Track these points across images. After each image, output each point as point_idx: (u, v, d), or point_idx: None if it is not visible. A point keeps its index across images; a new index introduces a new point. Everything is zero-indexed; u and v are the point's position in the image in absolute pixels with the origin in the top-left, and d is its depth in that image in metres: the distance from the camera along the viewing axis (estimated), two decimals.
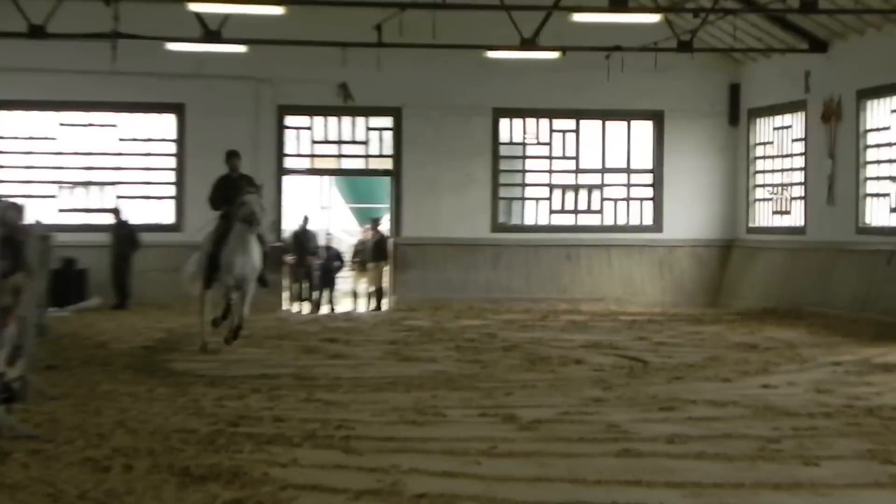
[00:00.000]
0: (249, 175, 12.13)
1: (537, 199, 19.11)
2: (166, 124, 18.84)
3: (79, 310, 16.20)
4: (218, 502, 5.42)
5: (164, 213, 18.79)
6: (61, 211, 18.08)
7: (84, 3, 15.32)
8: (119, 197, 18.40)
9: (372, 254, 18.23)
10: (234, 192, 11.29)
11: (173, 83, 18.46)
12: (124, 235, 17.17)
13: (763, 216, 18.87)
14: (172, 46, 16.88)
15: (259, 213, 10.95)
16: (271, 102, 19.57)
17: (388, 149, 19.51)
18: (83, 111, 18.75)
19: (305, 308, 18.21)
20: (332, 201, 29.35)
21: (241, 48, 16.85)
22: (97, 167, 18.33)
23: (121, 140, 18.36)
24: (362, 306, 18.21)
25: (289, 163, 19.00)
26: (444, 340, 12.97)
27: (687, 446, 6.79)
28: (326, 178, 24.61)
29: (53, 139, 18.13)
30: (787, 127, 18.22)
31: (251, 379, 10.09)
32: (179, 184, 18.53)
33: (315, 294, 18.46)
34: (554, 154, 19.12)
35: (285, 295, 18.34)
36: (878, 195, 15.32)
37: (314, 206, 26.74)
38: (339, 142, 19.51)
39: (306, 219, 20.14)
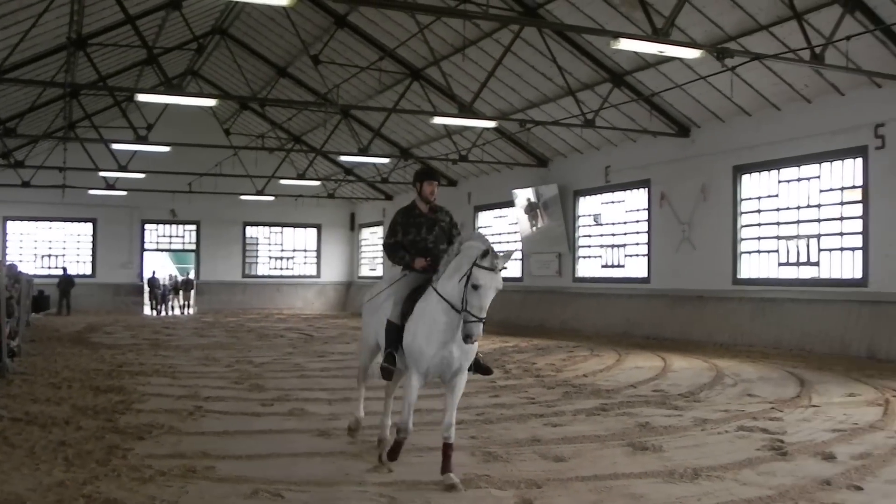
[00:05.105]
0: (447, 209, 8.10)
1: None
2: None
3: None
4: (112, 402, 10.92)
5: None
6: None
7: None
8: None
9: None
10: (427, 239, 7.73)
11: None
12: None
13: (367, 271, 41.89)
14: None
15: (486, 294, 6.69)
16: None
17: None
18: None
19: None
20: None
21: None
22: None
23: None
24: None
25: None
26: None
27: (332, 372, 14.57)
28: None
29: None
30: (374, 233, 40.71)
31: (126, 345, 20.08)
32: None
33: None
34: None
35: None
36: None
37: None
38: None
39: None
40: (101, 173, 31.12)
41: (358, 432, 8.61)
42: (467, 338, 6.61)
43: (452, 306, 6.85)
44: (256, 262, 42.11)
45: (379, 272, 40.28)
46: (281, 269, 42.44)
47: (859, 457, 8.16)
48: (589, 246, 26.25)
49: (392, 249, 7.83)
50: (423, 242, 7.70)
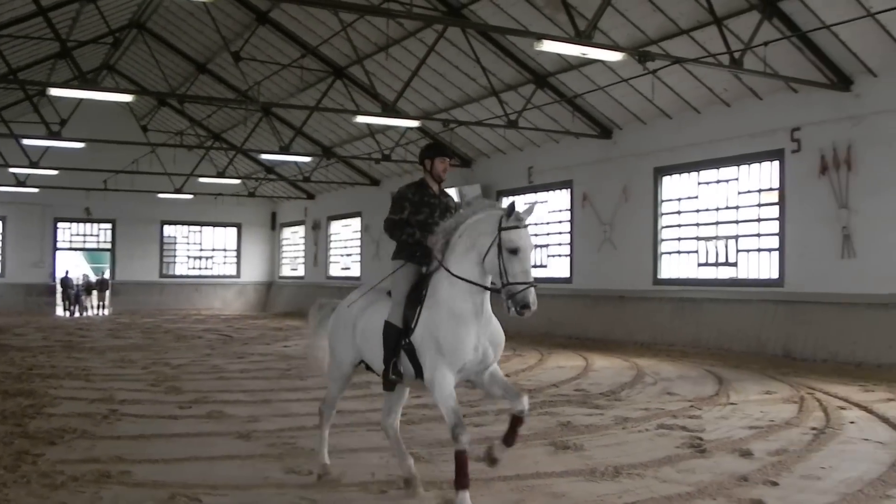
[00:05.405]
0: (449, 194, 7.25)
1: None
2: None
3: None
4: (22, 406, 10.83)
5: None
6: None
7: None
8: None
9: None
10: (439, 223, 6.63)
11: None
12: None
13: (288, 271, 42.01)
14: None
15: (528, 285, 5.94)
16: None
17: None
18: None
19: None
20: None
21: None
22: None
23: None
24: None
25: None
26: None
27: (251, 373, 14.97)
28: None
29: None
30: (295, 233, 40.83)
31: (37, 347, 19.80)
32: None
33: None
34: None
35: None
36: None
37: None
38: None
39: None
40: (11, 169, 30.28)
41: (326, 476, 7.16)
42: (525, 308, 5.82)
43: (482, 286, 6.14)
44: (174, 262, 41.43)
45: (300, 272, 40.14)
46: (200, 268, 41.83)
47: (775, 453, 8.37)
48: None
49: (396, 226, 6.82)
50: (433, 226, 6.70)
